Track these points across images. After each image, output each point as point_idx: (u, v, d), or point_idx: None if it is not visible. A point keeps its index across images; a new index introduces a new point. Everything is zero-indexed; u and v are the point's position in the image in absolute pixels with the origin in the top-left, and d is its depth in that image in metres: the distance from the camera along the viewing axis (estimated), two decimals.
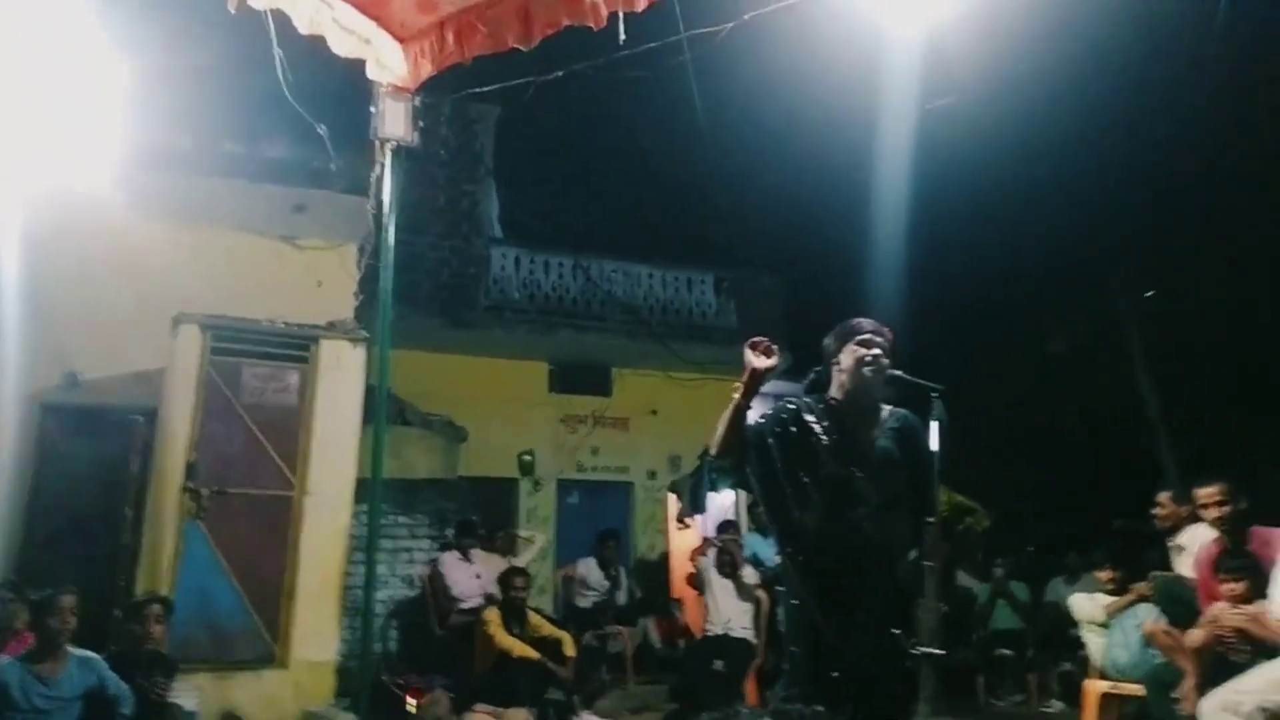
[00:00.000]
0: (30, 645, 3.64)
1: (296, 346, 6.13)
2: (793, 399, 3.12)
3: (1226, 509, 4.32)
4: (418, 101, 5.33)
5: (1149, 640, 4.78)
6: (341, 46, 3.97)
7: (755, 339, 2.91)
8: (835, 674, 2.77)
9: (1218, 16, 5.33)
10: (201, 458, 5.70)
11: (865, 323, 3.03)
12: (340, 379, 6.06)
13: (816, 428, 2.94)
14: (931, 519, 2.87)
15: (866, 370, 2.92)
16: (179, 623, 5.23)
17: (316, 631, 5.65)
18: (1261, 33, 8.44)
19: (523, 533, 8.43)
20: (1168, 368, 11.48)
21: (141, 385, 6.55)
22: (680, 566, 9.50)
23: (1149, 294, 11.50)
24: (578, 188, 11.74)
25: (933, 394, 3.02)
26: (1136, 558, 6.16)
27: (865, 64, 6.30)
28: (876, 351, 2.93)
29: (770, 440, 2.95)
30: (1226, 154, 10.13)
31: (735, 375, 2.97)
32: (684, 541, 9.74)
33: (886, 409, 3.04)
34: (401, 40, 4.21)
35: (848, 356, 2.98)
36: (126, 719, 3.63)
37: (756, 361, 2.86)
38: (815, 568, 2.84)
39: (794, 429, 2.95)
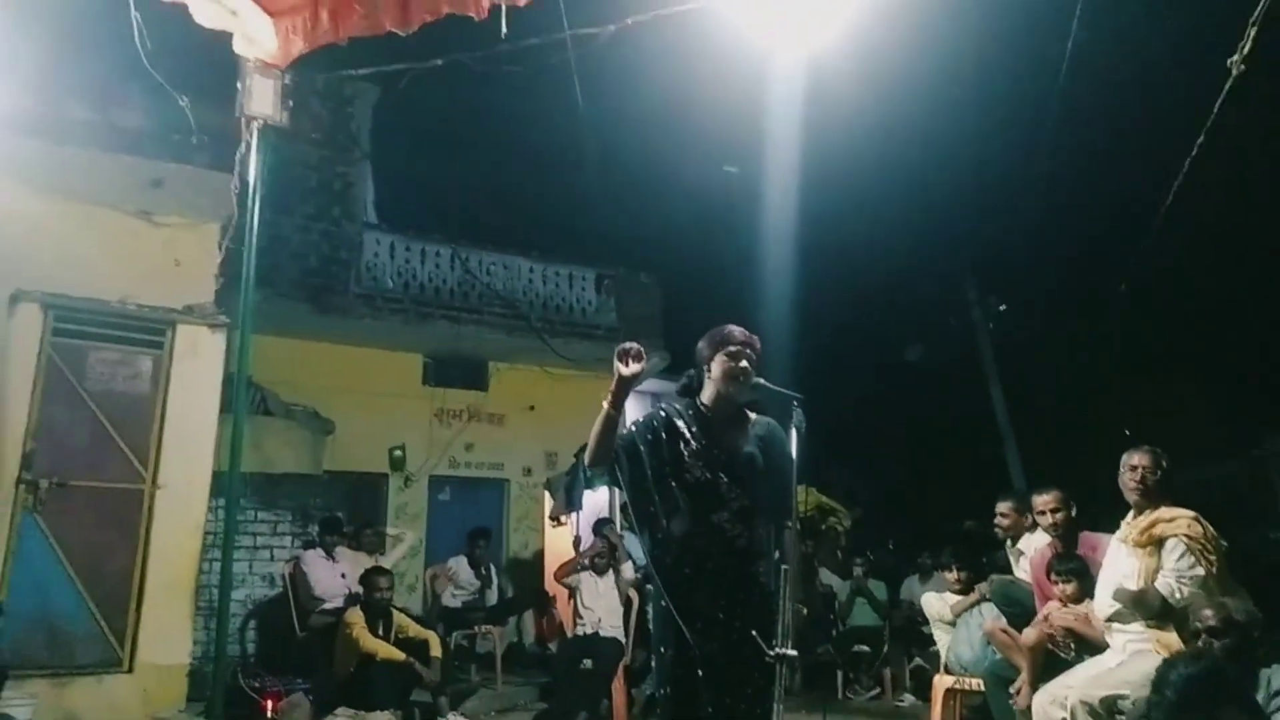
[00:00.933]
0: None
1: (150, 330, 5.80)
2: (665, 405, 3.24)
3: (1060, 515, 4.64)
4: (288, 79, 5.10)
5: (989, 638, 5.08)
6: (205, 16, 3.78)
7: (624, 346, 2.92)
8: (698, 674, 2.88)
9: (1072, 28, 5.67)
10: (40, 447, 5.32)
11: (736, 332, 3.16)
12: (197, 365, 5.76)
13: (686, 433, 3.07)
14: (790, 523, 2.98)
15: (735, 381, 3.06)
16: (12, 625, 4.88)
17: (167, 633, 5.36)
18: (1117, 40, 9.03)
19: (391, 530, 8.22)
20: (1017, 378, 12.23)
21: None
22: (554, 564, 9.51)
23: (1001, 307, 12.22)
24: (459, 177, 11.53)
25: (793, 402, 3.13)
26: (983, 559, 6.55)
27: (744, 71, 6.45)
28: (744, 365, 3.08)
29: (641, 447, 3.05)
30: (1077, 173, 10.87)
31: (612, 373, 3.02)
32: (559, 539, 9.75)
33: (753, 416, 3.18)
34: (272, 14, 4.04)
35: (718, 365, 3.12)
36: None
37: (624, 369, 2.91)
38: (680, 570, 2.94)
39: (665, 435, 3.07)
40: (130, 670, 5.21)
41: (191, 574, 5.51)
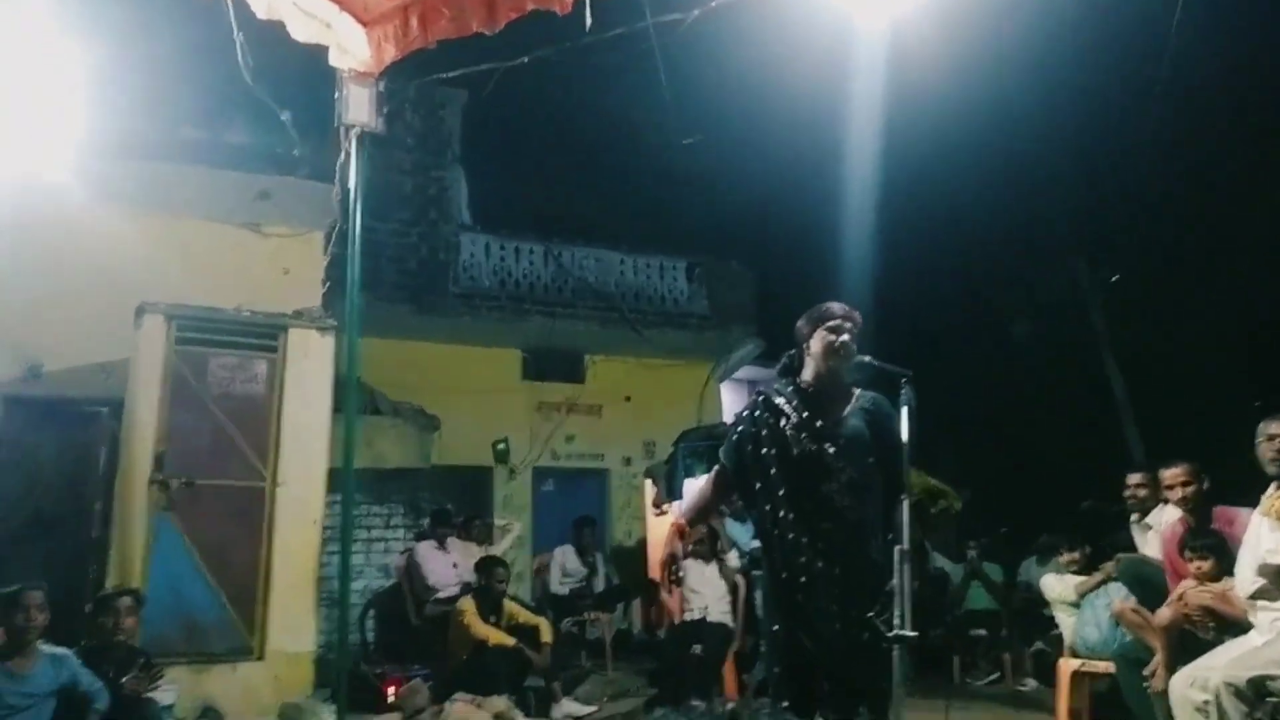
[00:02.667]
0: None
1: (264, 335, 6.05)
2: (763, 387, 3.22)
3: (1191, 489, 4.39)
4: (382, 86, 5.24)
5: (1118, 619, 4.85)
6: (301, 32, 3.89)
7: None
8: (810, 650, 2.85)
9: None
10: (170, 449, 5.61)
11: (835, 307, 3.10)
12: (309, 368, 5.99)
13: (787, 409, 3.03)
14: (902, 499, 2.89)
15: (835, 355, 3.01)
16: (153, 616, 5.16)
17: (293, 623, 5.60)
18: (1228, 14, 8.54)
19: (499, 521, 8.40)
20: (1133, 349, 11.64)
21: (105, 376, 6.44)
22: (657, 551, 9.54)
23: (1114, 278, 11.65)
24: (548, 174, 11.66)
25: (901, 379, 3.04)
26: (1104, 538, 6.26)
27: (834, 51, 6.32)
28: (845, 338, 3.02)
29: (742, 429, 3.05)
30: (1196, 136, 10.26)
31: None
32: (661, 527, 9.78)
33: (857, 392, 3.10)
34: (364, 24, 4.13)
35: (817, 342, 3.07)
36: (100, 714, 3.57)
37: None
38: (792, 542, 2.90)
39: (765, 414, 3.04)
40: (261, 658, 5.46)
41: (313, 566, 5.74)
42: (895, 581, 3.17)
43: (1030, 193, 11.70)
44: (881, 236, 10.81)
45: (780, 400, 3.06)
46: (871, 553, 2.89)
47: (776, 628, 2.94)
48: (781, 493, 2.92)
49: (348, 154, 5.51)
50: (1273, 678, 3.46)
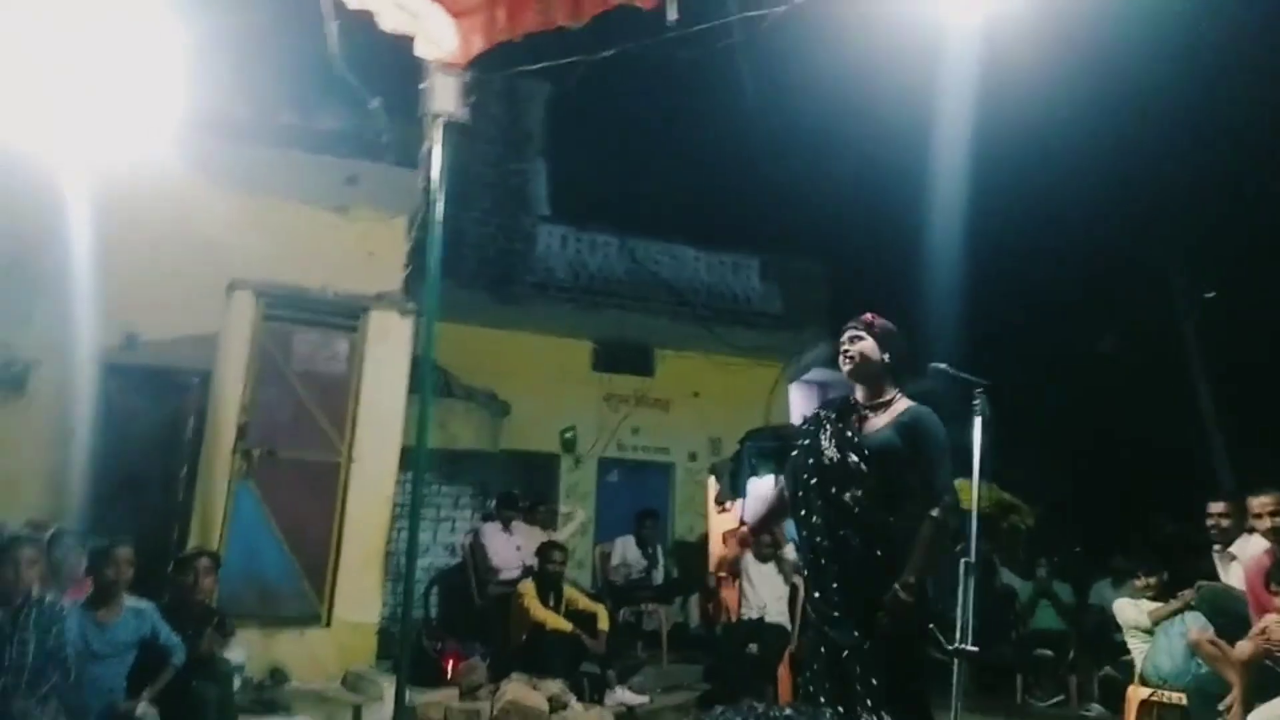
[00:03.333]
0: (88, 591, 3.78)
1: (347, 315, 6.24)
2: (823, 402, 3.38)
3: None
4: (468, 77, 5.34)
5: (1194, 649, 4.67)
6: (390, 22, 4.01)
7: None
8: (822, 652, 2.98)
9: None
10: (253, 421, 5.85)
11: (858, 319, 3.22)
12: (388, 349, 6.16)
13: (825, 418, 3.14)
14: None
15: (844, 365, 3.16)
16: (228, 579, 5.39)
17: (360, 594, 5.79)
18: None
19: (563, 508, 8.51)
20: (1225, 371, 11.14)
21: (198, 348, 6.73)
22: (718, 549, 9.53)
23: (1209, 294, 11.16)
24: (626, 168, 11.71)
25: (977, 389, 3.00)
26: (1184, 564, 6.03)
27: (917, 50, 6.19)
28: (849, 348, 3.15)
29: (797, 443, 3.19)
30: None
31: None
32: (724, 524, 9.77)
33: (905, 403, 3.10)
34: (453, 15, 4.23)
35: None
36: (175, 669, 3.75)
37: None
38: (811, 545, 3.03)
39: (811, 425, 3.18)
40: (328, 625, 5.65)
41: (381, 541, 5.91)
42: (959, 595, 3.15)
43: (1126, 200, 11.27)
44: (965, 242, 10.55)
45: (823, 411, 3.19)
46: (883, 559, 2.89)
47: (807, 630, 3.12)
48: (806, 496, 3.02)
49: (433, 142, 5.64)
50: None
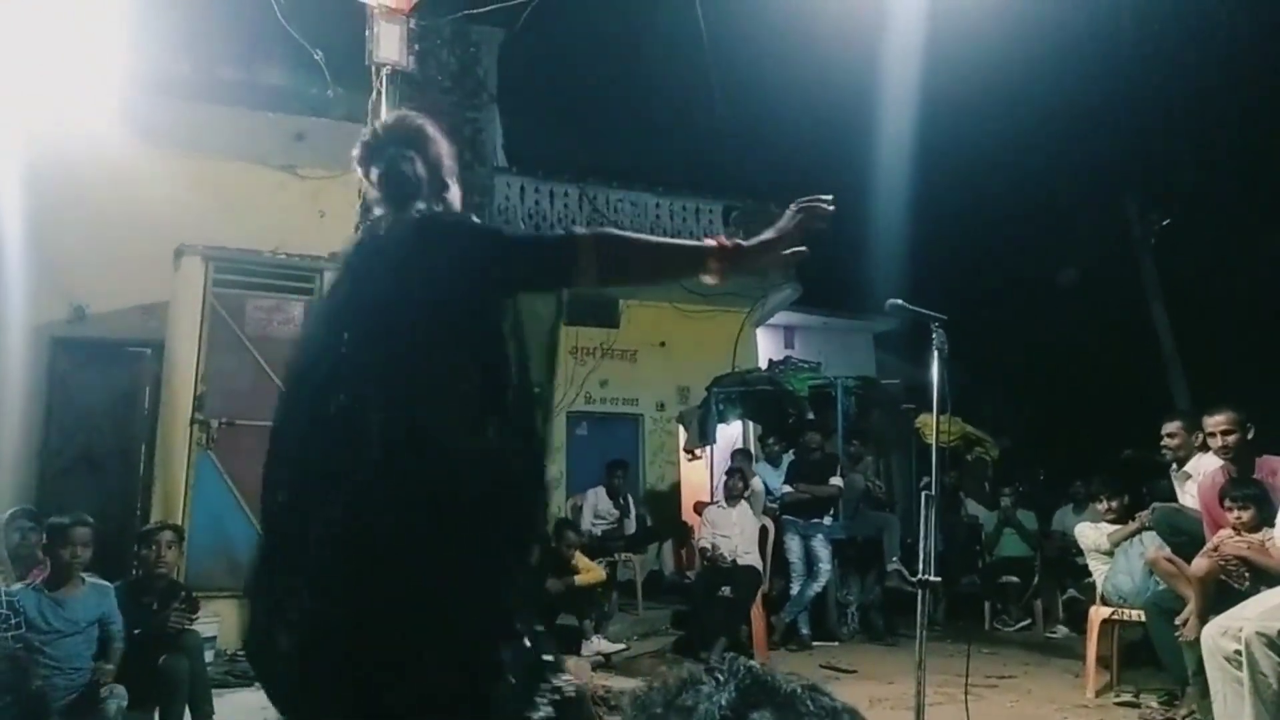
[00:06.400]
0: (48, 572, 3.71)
1: (300, 278, 6.11)
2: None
3: (1234, 437, 4.28)
4: (413, 24, 5.18)
5: (1152, 568, 4.80)
6: None
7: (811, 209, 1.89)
8: None
9: None
10: (210, 390, 5.74)
11: None
12: None
13: None
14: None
15: None
16: (196, 552, 5.34)
17: None
18: None
19: None
20: (1181, 296, 11.31)
21: (149, 318, 6.58)
22: (690, 496, 9.60)
23: (1164, 222, 11.27)
24: (583, 115, 11.53)
25: (934, 323, 2.99)
26: (1143, 488, 6.16)
27: None
28: None
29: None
30: (1246, 77, 9.80)
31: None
32: (694, 471, 9.82)
33: None
34: None
35: None
36: (121, 652, 3.67)
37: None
38: None
39: None
40: None
41: None
42: (921, 527, 3.19)
43: (1080, 135, 11.31)
44: (924, 180, 10.57)
45: None
46: None
47: None
48: None
49: (379, 93, 5.48)
50: None
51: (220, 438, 5.62)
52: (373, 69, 5.41)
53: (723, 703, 0.75)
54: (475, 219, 1.96)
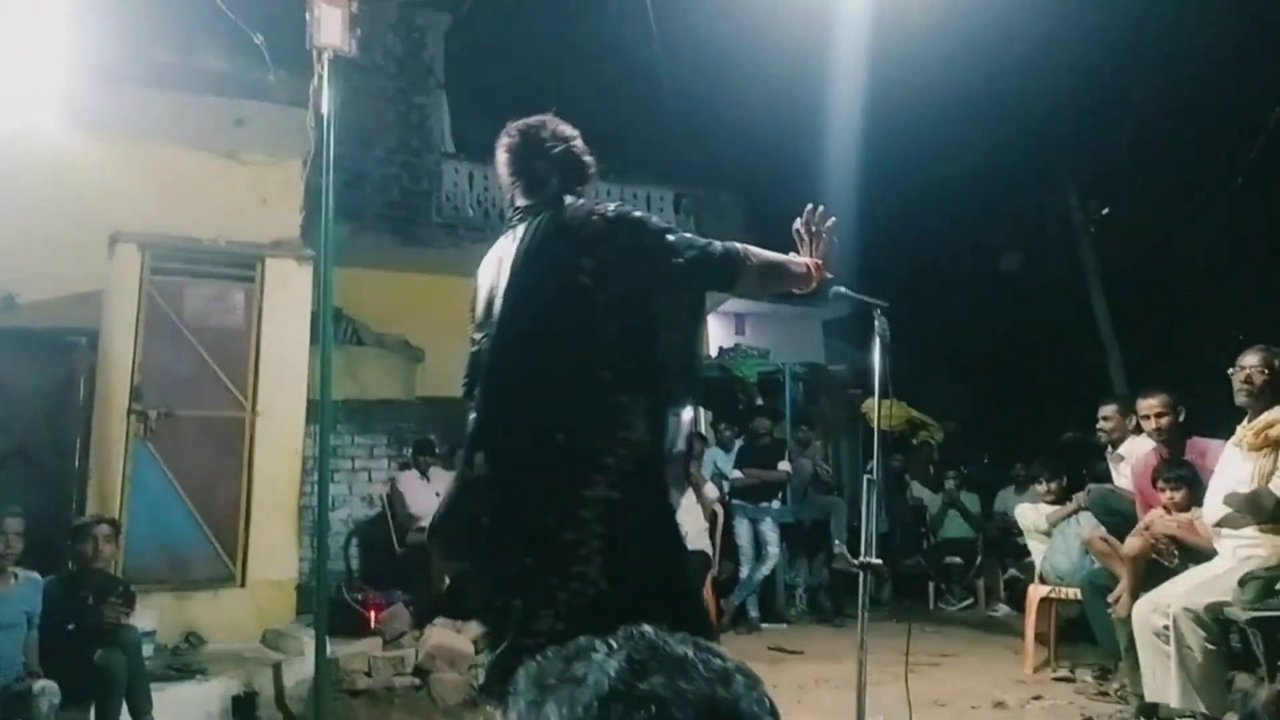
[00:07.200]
0: None
1: (241, 265, 5.99)
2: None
3: (1166, 420, 4.42)
4: (355, 8, 5.08)
5: (1087, 547, 4.94)
6: None
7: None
8: None
9: None
10: (147, 380, 5.60)
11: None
12: (287, 298, 5.94)
13: None
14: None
15: None
16: (135, 545, 5.22)
17: (275, 551, 5.66)
18: None
19: None
20: (1119, 284, 11.61)
21: (82, 307, 6.38)
22: None
23: (1103, 210, 11.55)
24: (531, 99, 11.38)
25: (876, 309, 3.03)
26: (1082, 469, 6.33)
27: None
28: None
29: None
30: (1182, 65, 10.07)
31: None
32: None
33: None
34: None
35: None
36: (34, 644, 3.59)
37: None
38: None
39: None
40: (243, 585, 5.53)
41: (293, 496, 5.77)
42: (863, 511, 3.24)
43: (1023, 123, 11.50)
44: (872, 168, 10.67)
45: None
46: None
47: None
48: None
49: (321, 78, 5.37)
50: (1230, 604, 3.53)
51: (159, 428, 5.49)
52: (314, 53, 5.30)
53: (613, 670, 0.74)
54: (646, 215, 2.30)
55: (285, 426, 5.75)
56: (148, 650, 4.35)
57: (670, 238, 2.18)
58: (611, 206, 2.26)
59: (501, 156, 2.47)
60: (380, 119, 9.37)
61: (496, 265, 2.35)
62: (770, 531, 6.90)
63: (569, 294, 2.08)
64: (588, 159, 2.48)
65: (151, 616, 4.75)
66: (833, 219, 2.32)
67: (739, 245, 2.22)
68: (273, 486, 5.67)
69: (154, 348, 5.63)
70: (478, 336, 2.32)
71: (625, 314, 2.06)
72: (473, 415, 2.26)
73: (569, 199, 2.30)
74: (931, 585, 7.92)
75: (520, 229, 2.31)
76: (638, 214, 2.27)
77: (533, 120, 2.50)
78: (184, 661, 4.71)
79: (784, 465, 7.11)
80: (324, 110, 5.08)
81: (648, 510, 2.11)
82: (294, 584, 5.71)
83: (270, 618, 5.44)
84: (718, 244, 2.21)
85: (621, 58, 10.70)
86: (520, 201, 2.39)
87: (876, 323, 3.21)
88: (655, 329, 2.11)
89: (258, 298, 5.92)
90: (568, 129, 2.50)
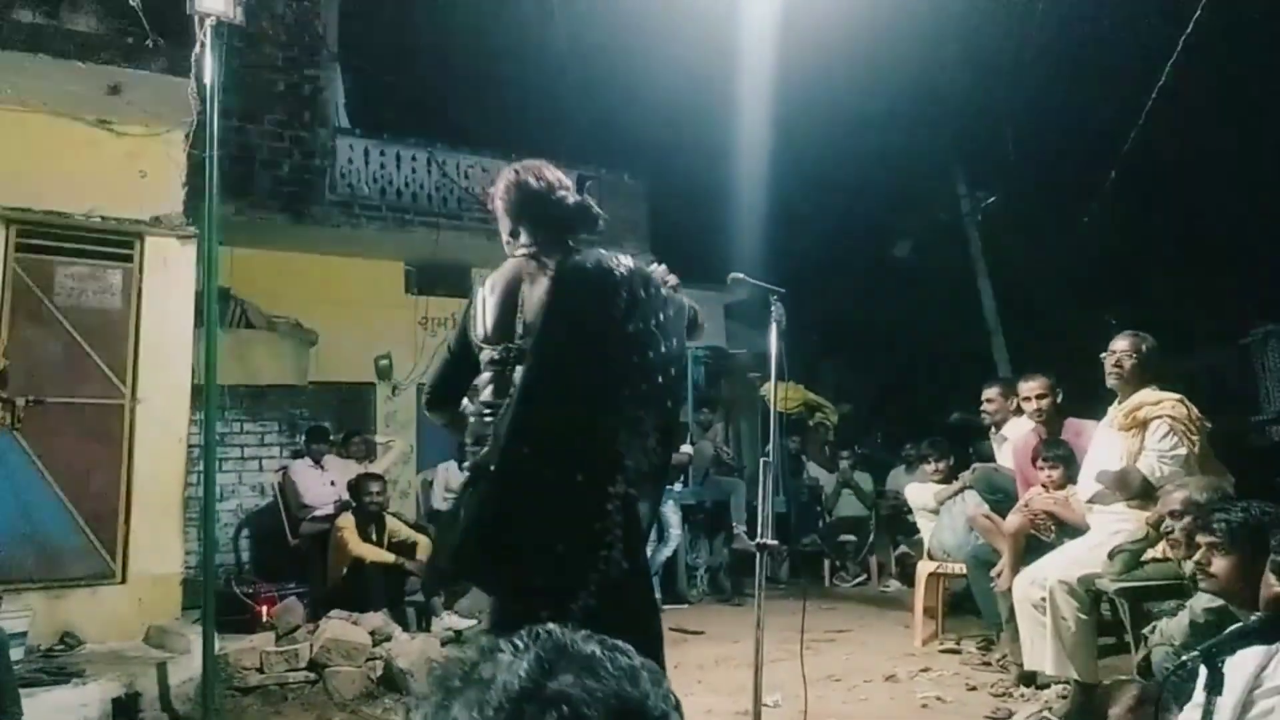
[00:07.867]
0: None
1: (118, 244, 5.65)
2: None
3: (1046, 401, 4.65)
4: None
5: (971, 524, 5.16)
6: None
7: None
8: None
9: None
10: (14, 365, 5.23)
11: None
12: (168, 278, 5.64)
13: None
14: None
15: None
16: (2, 541, 4.89)
17: (158, 544, 5.39)
18: None
19: (380, 438, 8.24)
20: (1003, 271, 12.14)
21: None
22: None
23: (989, 199, 12.03)
24: (430, 74, 11.13)
25: (773, 296, 3.08)
26: (969, 449, 6.61)
27: None
28: None
29: None
30: (1068, 57, 10.55)
31: None
32: None
33: None
34: None
35: None
36: None
37: None
38: None
39: None
40: (124, 581, 5.26)
41: (178, 486, 5.51)
42: (759, 492, 3.30)
43: (914, 113, 11.89)
44: (773, 155, 10.83)
45: None
46: None
47: None
48: None
49: (203, 45, 5.10)
50: (1100, 576, 3.75)
51: (27, 417, 5.14)
52: (195, 19, 5.02)
53: (522, 671, 0.74)
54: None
55: (168, 414, 5.47)
56: (17, 654, 4.10)
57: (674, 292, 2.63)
58: (629, 258, 2.64)
59: (516, 195, 2.87)
60: (269, 90, 8.96)
61: (508, 291, 2.67)
62: (672, 513, 6.97)
63: (604, 324, 2.44)
64: (598, 210, 2.93)
65: (22, 618, 4.46)
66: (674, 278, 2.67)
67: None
68: (155, 476, 5.39)
69: (20, 330, 5.26)
70: (493, 353, 2.60)
71: (645, 346, 2.42)
72: (491, 419, 2.50)
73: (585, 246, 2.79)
74: (827, 563, 8.16)
75: (543, 262, 2.68)
76: (650, 268, 2.63)
77: (540, 164, 2.92)
78: (59, 664, 4.45)
79: (686, 448, 7.18)
80: (206, 79, 4.82)
81: (649, 503, 2.54)
82: (179, 578, 5.45)
83: (154, 614, 5.19)
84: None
85: (524, 34, 10.54)
86: (540, 238, 2.79)
87: (773, 309, 3.27)
88: (665, 358, 2.47)
89: (136, 277, 5.60)
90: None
